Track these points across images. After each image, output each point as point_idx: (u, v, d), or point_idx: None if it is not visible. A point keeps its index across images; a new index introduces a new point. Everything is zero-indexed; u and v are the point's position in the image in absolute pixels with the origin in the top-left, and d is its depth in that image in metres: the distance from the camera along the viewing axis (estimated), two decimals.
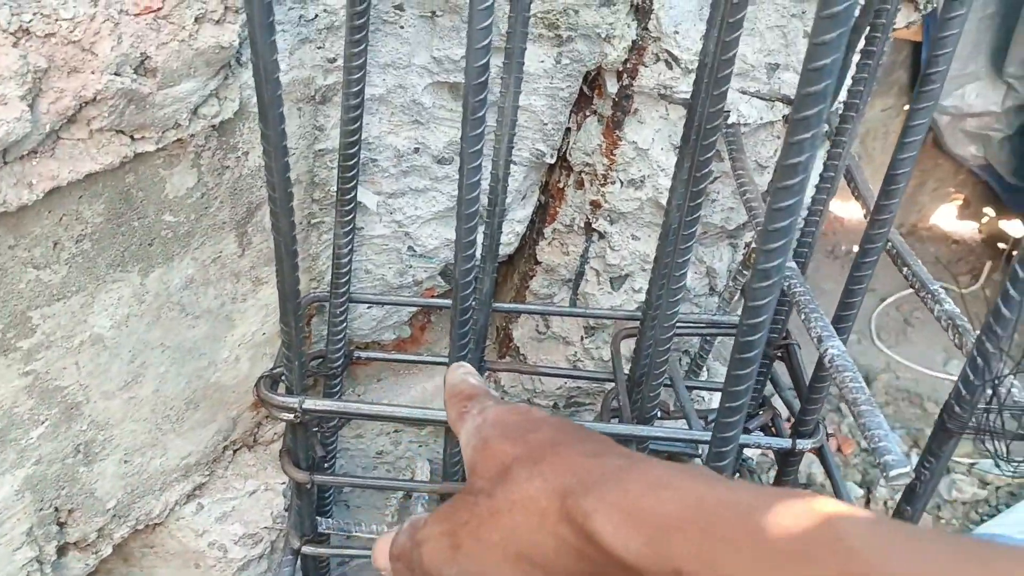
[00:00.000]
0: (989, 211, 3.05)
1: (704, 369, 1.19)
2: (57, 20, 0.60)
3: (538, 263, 1.09)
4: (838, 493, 0.86)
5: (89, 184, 0.69)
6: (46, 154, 0.64)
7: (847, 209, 3.08)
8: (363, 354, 1.02)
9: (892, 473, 0.57)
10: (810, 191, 0.92)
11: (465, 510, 0.36)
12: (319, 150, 0.89)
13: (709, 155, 0.73)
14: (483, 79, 0.65)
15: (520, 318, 1.15)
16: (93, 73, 0.63)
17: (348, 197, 0.88)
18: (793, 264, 0.79)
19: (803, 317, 0.71)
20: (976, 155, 2.68)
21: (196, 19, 0.67)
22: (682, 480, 0.31)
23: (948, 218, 3.11)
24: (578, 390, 1.17)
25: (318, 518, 1.03)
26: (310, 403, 0.82)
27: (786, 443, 0.85)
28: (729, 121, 0.93)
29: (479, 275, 0.95)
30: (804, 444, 0.85)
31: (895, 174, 0.70)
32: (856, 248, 0.79)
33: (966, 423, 0.62)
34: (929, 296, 0.74)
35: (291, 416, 0.82)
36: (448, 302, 1.02)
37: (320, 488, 1.10)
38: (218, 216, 0.82)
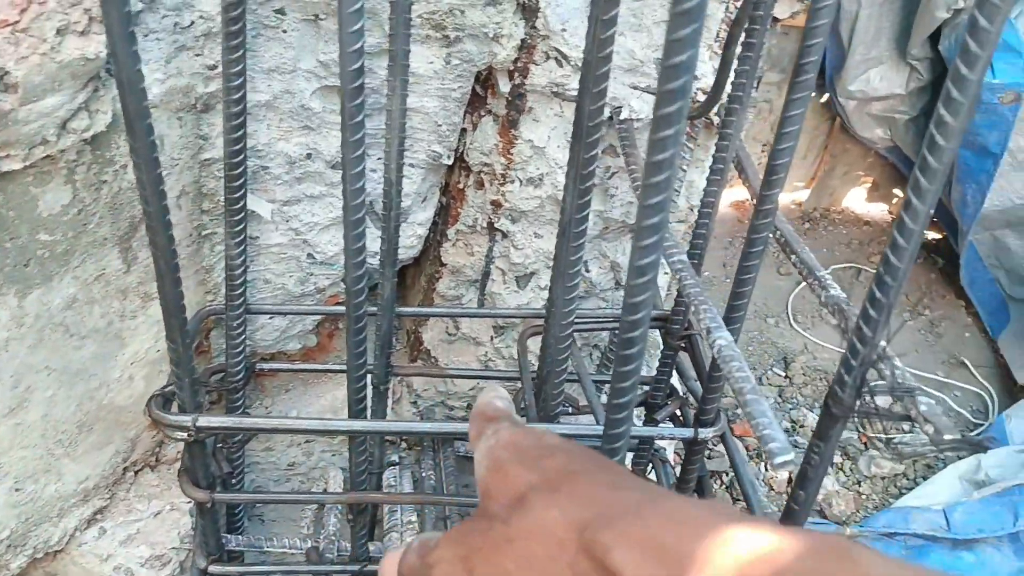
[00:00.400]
0: (898, 192, 3.14)
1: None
2: None
3: (443, 265, 1.08)
4: (740, 479, 0.87)
5: None
6: None
7: None
8: (266, 366, 1.00)
9: (777, 460, 0.58)
10: (701, 182, 0.93)
11: (479, 535, 0.35)
12: (205, 160, 0.87)
13: (594, 151, 0.73)
14: (358, 83, 0.64)
15: (429, 321, 1.14)
16: None
17: (237, 207, 0.86)
18: (684, 258, 0.79)
19: (692, 309, 0.72)
20: (883, 137, 2.76)
21: (58, 31, 0.65)
22: (703, 515, 0.30)
23: (859, 200, 3.20)
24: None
25: (227, 536, 1.01)
26: (204, 420, 0.80)
27: (688, 432, 0.86)
28: (621, 117, 0.93)
29: (380, 280, 0.93)
30: (706, 433, 0.86)
31: (775, 164, 0.71)
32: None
33: (849, 406, 0.63)
34: (816, 283, 0.75)
35: (185, 435, 0.80)
36: (368, 310, 1.01)
37: (229, 505, 1.07)
38: (98, 232, 0.79)
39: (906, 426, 0.65)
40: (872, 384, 0.65)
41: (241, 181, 0.85)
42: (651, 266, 0.52)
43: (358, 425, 0.84)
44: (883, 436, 0.62)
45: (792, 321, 2.70)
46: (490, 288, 1.08)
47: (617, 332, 1.15)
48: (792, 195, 3.13)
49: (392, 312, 0.95)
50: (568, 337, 0.84)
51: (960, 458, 2.38)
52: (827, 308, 0.75)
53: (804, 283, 2.67)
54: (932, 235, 3.12)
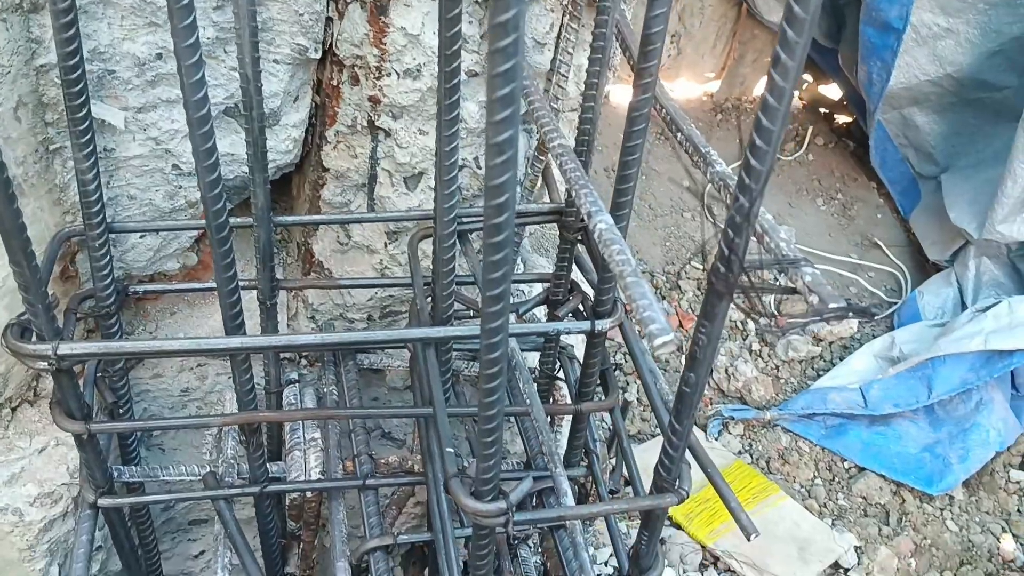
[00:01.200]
0: (807, 77, 3.13)
1: (519, 263, 1.16)
2: None
3: (326, 170, 1.02)
4: (639, 368, 0.85)
5: None
6: None
7: (676, 89, 3.10)
8: (139, 288, 0.94)
9: (657, 342, 0.55)
10: (583, 61, 0.88)
11: None
12: (41, 66, 0.79)
13: (456, 27, 0.68)
14: None
15: (319, 231, 1.09)
16: None
17: (81, 115, 0.79)
18: (564, 141, 0.75)
19: (573, 194, 0.68)
20: None
21: None
22: None
23: None
24: (391, 299, 1.12)
25: (120, 468, 0.96)
26: (66, 348, 0.74)
27: (585, 325, 0.83)
28: None
29: (252, 188, 0.88)
30: (603, 324, 0.83)
31: (649, 34, 0.66)
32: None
33: (733, 282, 0.60)
34: (701, 160, 0.72)
35: (46, 364, 0.74)
36: (244, 221, 0.95)
37: (120, 436, 1.02)
38: None
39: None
40: (758, 258, 0.63)
41: (80, 86, 0.77)
42: (509, 142, 0.48)
43: (235, 342, 0.79)
44: (767, 312, 0.60)
45: (708, 213, 2.70)
46: (378, 192, 1.03)
47: (517, 230, 1.11)
48: (703, 87, 3.10)
49: (269, 222, 0.90)
50: (451, 235, 0.80)
51: (869, 334, 2.44)
52: (712, 184, 0.72)
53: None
54: (843, 118, 3.13)
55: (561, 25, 0.94)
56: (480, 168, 1.03)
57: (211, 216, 0.71)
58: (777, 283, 0.64)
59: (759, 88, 3.15)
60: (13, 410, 0.96)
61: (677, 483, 0.71)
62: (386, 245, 1.08)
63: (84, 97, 0.78)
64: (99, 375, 0.96)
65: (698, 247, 2.59)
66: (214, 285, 0.96)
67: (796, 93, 3.15)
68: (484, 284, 0.56)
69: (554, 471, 0.80)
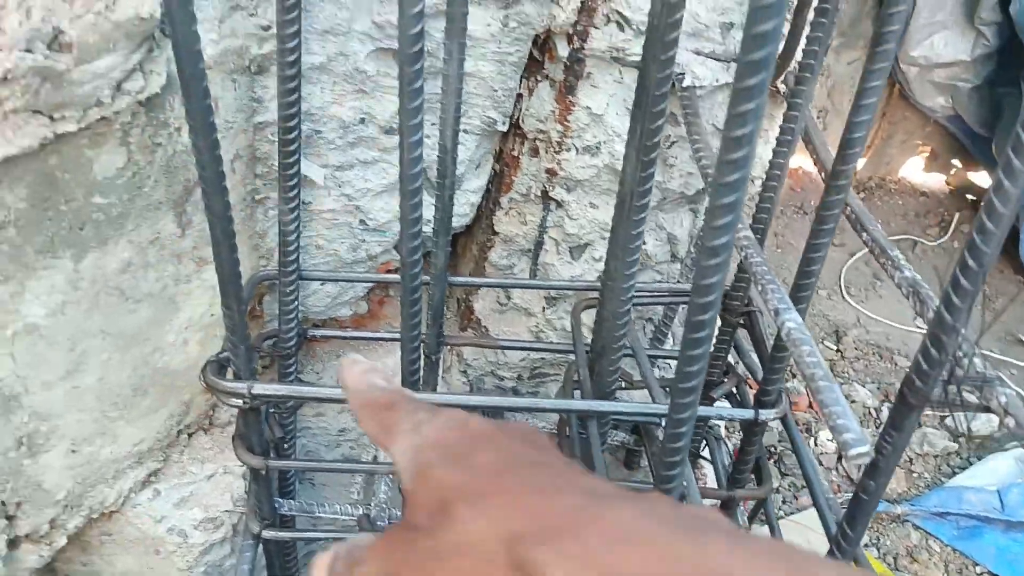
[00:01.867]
0: (956, 163, 3.05)
1: (669, 336, 1.17)
2: None
3: (496, 233, 1.06)
4: (801, 462, 0.85)
5: (8, 168, 0.66)
6: None
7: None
8: (318, 332, 0.99)
9: (851, 453, 0.55)
10: (767, 154, 0.90)
11: (404, 548, 0.31)
12: (259, 123, 0.85)
13: (659, 121, 0.70)
14: (418, 47, 0.62)
15: (481, 290, 1.12)
16: (1, 51, 0.59)
17: (291, 171, 0.85)
18: (749, 234, 0.76)
19: (760, 288, 0.69)
20: (944, 106, 2.67)
21: None
22: (648, 531, 0.27)
23: (916, 170, 3.11)
24: (542, 361, 1.15)
25: (279, 500, 1.01)
26: (259, 388, 0.79)
27: (748, 414, 0.83)
28: (683, 84, 0.90)
29: (432, 249, 0.92)
30: (767, 414, 0.84)
31: (851, 138, 0.67)
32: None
33: (928, 396, 0.60)
34: (889, 263, 0.72)
35: (240, 402, 0.80)
36: (423, 278, 1.00)
37: (281, 470, 1.08)
38: (153, 196, 0.78)
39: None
40: (950, 373, 0.62)
41: (295, 145, 0.84)
42: (725, 247, 0.50)
43: (421, 397, 0.82)
44: (965, 430, 0.59)
45: (845, 293, 2.64)
46: (543, 258, 1.06)
47: (672, 306, 1.13)
48: None
49: (445, 282, 0.94)
50: (627, 313, 0.82)
51: (1009, 435, 2.32)
52: (901, 290, 0.72)
53: (860, 254, 2.61)
54: None
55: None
56: (644, 243, 1.05)
57: (407, 277, 0.75)
58: (969, 400, 0.63)
59: (905, 169, 3.09)
60: (189, 436, 1.02)
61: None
62: (544, 309, 1.10)
63: (297, 155, 0.84)
64: (271, 411, 1.02)
65: (832, 326, 2.53)
66: (386, 335, 1.01)
67: (944, 178, 3.07)
68: (679, 375, 0.58)
69: None
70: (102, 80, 0.66)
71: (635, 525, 0.27)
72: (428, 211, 0.90)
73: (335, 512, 1.01)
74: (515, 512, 0.29)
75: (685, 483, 0.88)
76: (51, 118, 0.65)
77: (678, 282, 1.09)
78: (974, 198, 3.05)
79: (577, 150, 0.96)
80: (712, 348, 0.98)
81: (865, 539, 2.02)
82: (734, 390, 1.00)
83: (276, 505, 1.00)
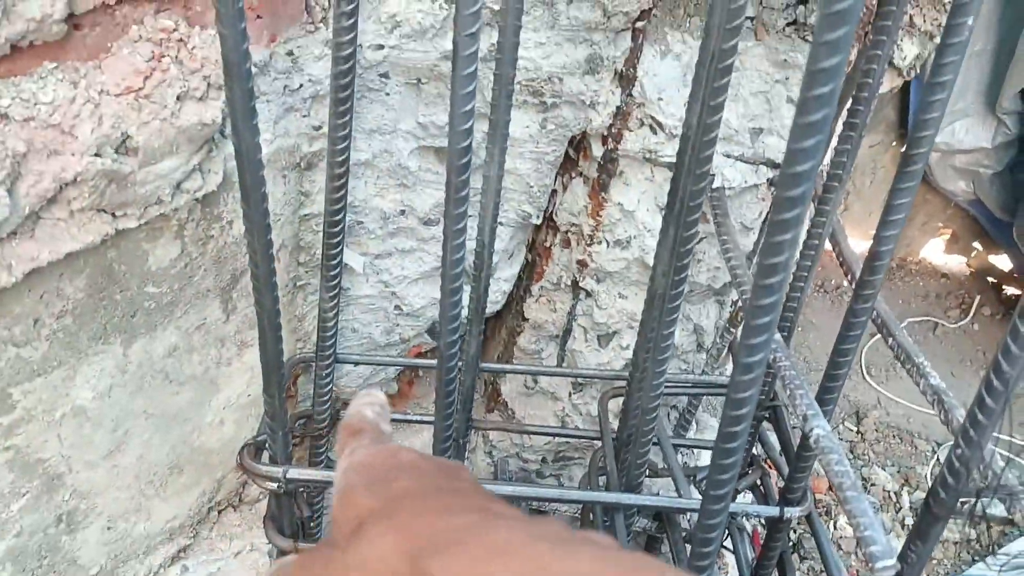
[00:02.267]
0: (977, 245, 3.06)
1: (693, 423, 1.18)
2: (36, 104, 0.60)
3: (526, 319, 1.08)
4: (825, 561, 0.85)
5: (70, 261, 0.69)
6: (26, 235, 0.64)
7: None
8: None
9: (878, 566, 0.57)
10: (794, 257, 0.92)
11: (321, 564, 0.35)
12: (304, 215, 0.89)
13: (694, 219, 0.73)
14: (467, 143, 0.65)
15: (508, 374, 1.15)
16: (73, 155, 0.63)
17: (334, 261, 0.88)
18: (779, 336, 0.78)
19: (788, 393, 0.71)
20: (965, 190, 2.69)
21: (178, 97, 0.67)
22: (529, 546, 0.30)
23: (937, 252, 3.12)
24: (567, 445, 1.16)
25: None
26: (295, 472, 0.81)
27: (774, 511, 0.84)
28: (714, 185, 0.93)
29: (466, 337, 0.94)
30: (792, 512, 0.85)
31: (879, 251, 0.70)
32: (845, 283, 0.79)
33: (952, 508, 0.61)
34: (915, 369, 0.74)
35: (275, 486, 0.81)
36: (433, 363, 1.02)
37: None
38: (202, 284, 0.81)
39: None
40: (975, 486, 0.64)
41: (340, 236, 0.87)
42: (763, 345, 0.52)
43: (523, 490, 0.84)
44: (989, 544, 0.60)
45: (866, 374, 2.64)
46: (571, 345, 1.08)
47: (697, 396, 1.14)
48: (867, 244, 3.07)
49: (476, 369, 0.96)
50: (657, 408, 0.84)
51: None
52: (926, 397, 0.74)
53: (876, 336, 2.60)
54: (1012, 290, 3.03)
55: (767, 212, 0.99)
56: None
57: (444, 365, 0.77)
58: (994, 513, 0.65)
59: (925, 251, 3.10)
60: (219, 513, 1.04)
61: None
62: (570, 395, 1.12)
63: (341, 245, 0.87)
64: (300, 490, 1.03)
65: (852, 407, 2.53)
66: (415, 418, 1.03)
67: (965, 260, 3.08)
68: (711, 480, 0.60)
69: None
70: (164, 181, 0.69)
71: (515, 540, 0.30)
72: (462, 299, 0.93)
73: None
74: (416, 530, 0.32)
75: None
76: (113, 215, 0.69)
77: (703, 372, 1.11)
78: (995, 281, 3.06)
79: (608, 243, 0.99)
80: None
81: None
82: (758, 482, 1.00)
83: None
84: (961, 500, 0.64)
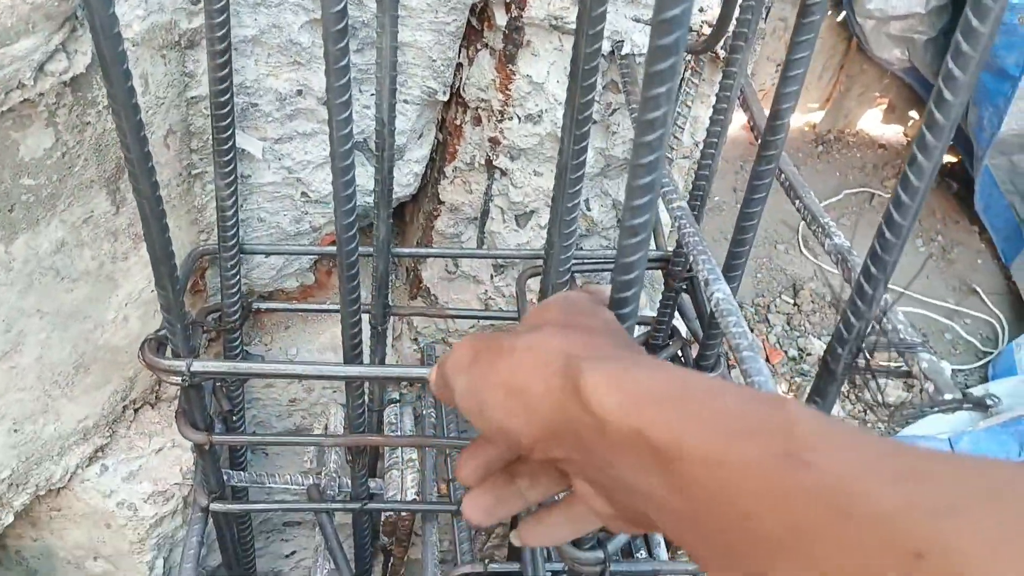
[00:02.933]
0: (914, 114, 3.07)
1: None
2: None
3: (442, 203, 1.06)
4: None
5: None
6: None
7: None
8: (263, 305, 0.99)
9: None
10: (707, 119, 0.90)
11: (495, 339, 0.40)
12: (192, 97, 0.84)
13: (590, 83, 0.69)
14: (341, 7, 0.61)
15: (428, 259, 1.12)
16: None
17: (226, 146, 0.84)
18: (683, 204, 0.77)
19: (692, 260, 0.70)
20: (901, 58, 2.68)
21: None
22: (679, 370, 0.35)
23: (874, 123, 3.13)
24: (491, 328, 1.16)
25: (229, 472, 1.02)
26: (199, 365, 0.79)
27: None
28: (623, 52, 0.90)
29: (375, 221, 0.92)
30: None
31: (779, 109, 0.68)
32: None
33: (849, 363, 0.61)
34: (820, 230, 0.73)
35: (179, 380, 0.79)
36: (365, 250, 0.99)
37: (232, 445, 1.08)
38: (84, 175, 0.77)
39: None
40: (872, 339, 0.64)
41: (229, 119, 0.83)
42: (645, 210, 0.50)
43: (354, 370, 0.83)
44: (878, 400, 0.60)
45: (803, 247, 2.67)
46: (489, 226, 1.06)
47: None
48: (805, 117, 3.06)
49: (388, 253, 0.94)
50: (567, 282, 0.83)
51: (962, 383, 2.38)
52: (831, 257, 0.73)
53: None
54: (948, 158, 3.06)
55: (682, 79, 0.96)
56: (590, 210, 1.06)
57: (344, 252, 0.75)
58: (891, 367, 0.65)
59: (863, 122, 3.10)
60: (136, 411, 1.02)
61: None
62: (492, 277, 1.11)
63: (231, 129, 0.83)
64: (217, 384, 1.02)
65: (789, 280, 2.56)
66: (331, 307, 1.01)
67: (902, 129, 3.09)
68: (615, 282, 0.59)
69: None
70: (22, 63, 0.64)
71: (671, 366, 0.36)
72: (370, 182, 0.90)
73: (285, 483, 1.02)
74: (583, 345, 0.38)
75: None
76: None
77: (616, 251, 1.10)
78: None
79: (519, 119, 0.96)
80: (657, 312, 0.99)
81: None
82: (679, 353, 1.01)
83: (226, 477, 1.01)
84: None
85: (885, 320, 0.67)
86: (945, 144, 0.50)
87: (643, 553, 0.91)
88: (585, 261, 1.00)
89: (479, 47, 0.93)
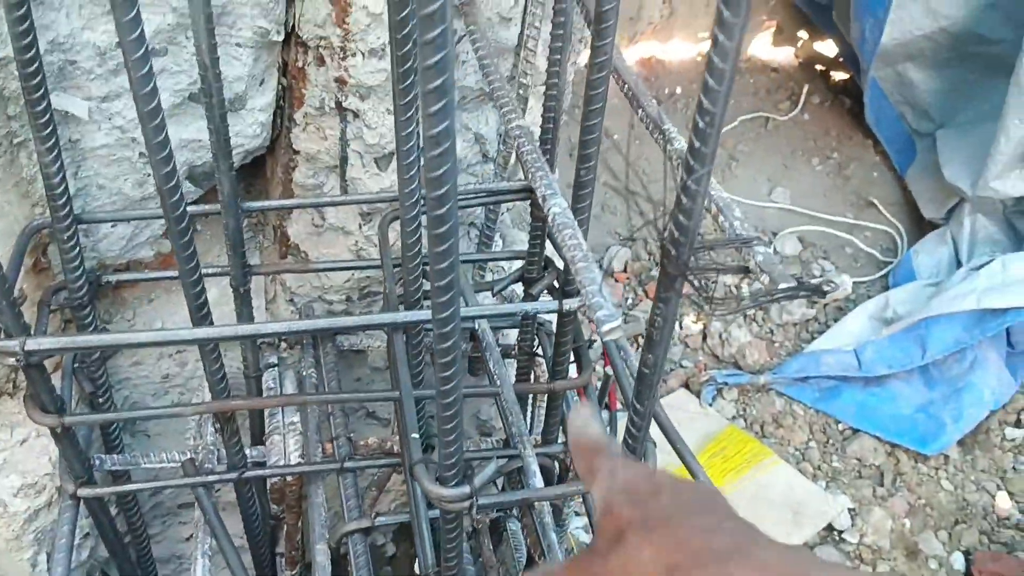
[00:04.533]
0: (803, 35, 3.09)
1: (497, 238, 1.16)
2: None
3: (297, 152, 1.01)
4: (605, 345, 0.85)
5: None
6: None
7: (669, 50, 3.06)
8: (112, 278, 0.94)
9: (603, 328, 0.55)
10: (544, 41, 0.87)
11: (582, 569, 0.38)
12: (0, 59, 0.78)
13: (407, 10, 0.67)
14: None
15: (294, 213, 1.08)
16: None
17: (40, 108, 0.78)
18: (523, 122, 0.74)
19: (529, 176, 0.68)
20: None
21: None
22: (789, 567, 0.33)
23: (765, 47, 3.14)
24: (368, 279, 1.12)
25: (101, 456, 0.97)
26: (32, 343, 0.74)
27: (552, 305, 0.83)
28: None
29: (217, 175, 0.87)
30: (571, 303, 0.83)
31: (603, 11, 0.65)
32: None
33: (686, 263, 0.60)
34: (661, 136, 0.71)
35: (13, 361, 0.75)
36: (208, 208, 0.95)
37: (103, 425, 1.03)
38: None
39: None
40: (708, 237, 0.62)
41: (39, 79, 0.77)
42: (445, 134, 0.48)
43: (201, 333, 0.79)
44: (707, 296, 0.59)
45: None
46: (350, 173, 1.02)
47: (492, 208, 1.11)
48: (698, 47, 3.06)
49: (237, 208, 0.89)
50: (416, 218, 0.80)
51: (864, 295, 2.43)
52: (672, 162, 0.72)
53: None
54: (839, 75, 3.09)
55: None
56: None
57: (169, 208, 0.71)
58: (727, 263, 0.64)
59: (753, 47, 3.12)
60: None
61: (642, 461, 0.71)
62: (360, 227, 1.07)
63: (43, 89, 0.77)
64: (76, 365, 0.97)
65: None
66: (168, 273, 0.97)
67: (793, 51, 3.11)
68: (433, 274, 0.56)
69: (522, 451, 0.80)
70: None
71: (773, 560, 0.33)
72: (207, 135, 0.85)
73: (161, 461, 0.98)
74: (676, 546, 0.35)
75: (498, 380, 0.88)
76: None
77: (492, 183, 1.07)
78: (823, 68, 3.11)
79: (363, 55, 0.91)
80: (528, 244, 0.97)
81: (732, 411, 2.10)
82: (555, 284, 0.99)
83: (98, 461, 0.96)
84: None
85: (721, 218, 0.65)
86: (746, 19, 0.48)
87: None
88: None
89: None
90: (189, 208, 0.88)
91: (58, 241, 0.87)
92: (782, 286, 0.58)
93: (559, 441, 1.00)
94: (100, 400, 1.00)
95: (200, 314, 0.78)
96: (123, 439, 1.06)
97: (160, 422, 1.15)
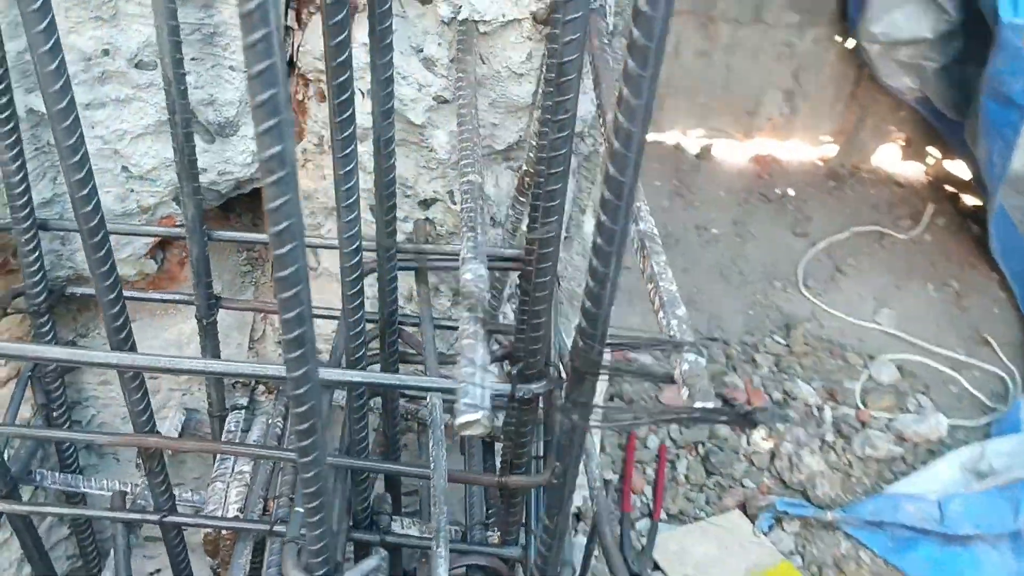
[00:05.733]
0: (934, 151, 2.89)
1: (504, 307, 1.07)
2: None
3: None
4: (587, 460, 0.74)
5: None
6: None
7: (787, 148, 2.94)
8: (76, 290, 0.90)
9: (458, 420, 0.45)
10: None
11: None
12: None
13: (388, 55, 0.61)
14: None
15: None
16: None
17: (3, 100, 0.76)
18: (473, 177, 0.66)
19: (462, 235, 0.59)
20: (912, 87, 2.52)
21: None
22: None
23: (892, 159, 2.96)
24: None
25: (43, 472, 0.93)
26: None
27: (503, 388, 0.73)
28: (460, 16, 0.80)
29: (182, 198, 0.83)
30: (525, 390, 0.73)
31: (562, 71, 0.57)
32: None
33: (597, 362, 0.49)
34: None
35: None
36: (171, 231, 0.91)
37: (58, 442, 0.99)
38: None
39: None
40: (641, 337, 0.52)
41: (3, 82, 0.75)
42: (279, 160, 0.40)
43: (127, 359, 0.73)
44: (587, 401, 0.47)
45: (802, 286, 2.51)
46: None
47: (499, 276, 1.02)
48: (818, 150, 2.91)
49: (201, 235, 0.84)
50: (357, 281, 0.73)
51: (962, 440, 2.19)
52: (633, 244, 0.61)
53: (822, 245, 2.47)
54: (970, 200, 2.87)
55: (543, 55, 0.85)
56: (455, 203, 0.95)
57: (81, 219, 0.66)
58: (650, 368, 0.53)
59: (880, 157, 2.94)
60: None
61: None
62: None
63: (5, 84, 0.75)
64: (33, 376, 0.93)
65: (784, 319, 2.40)
66: (157, 296, 0.92)
67: (923, 168, 2.91)
68: (282, 324, 0.48)
69: (433, 550, 0.69)
70: None
71: None
72: (214, 161, 0.81)
73: (101, 488, 0.92)
74: None
75: (433, 463, 0.78)
76: None
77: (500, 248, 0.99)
78: (954, 190, 2.90)
79: (362, 93, 0.86)
80: (516, 320, 0.88)
81: (790, 545, 1.90)
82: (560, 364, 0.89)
83: (39, 477, 0.92)
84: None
85: (661, 314, 0.55)
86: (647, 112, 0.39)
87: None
88: (439, 257, 0.90)
89: (312, 10, 0.84)
90: (152, 228, 0.84)
91: (19, 244, 0.84)
92: (698, 404, 0.47)
93: (518, 543, 0.88)
94: (55, 415, 0.96)
95: (118, 337, 0.73)
96: (78, 459, 1.01)
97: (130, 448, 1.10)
